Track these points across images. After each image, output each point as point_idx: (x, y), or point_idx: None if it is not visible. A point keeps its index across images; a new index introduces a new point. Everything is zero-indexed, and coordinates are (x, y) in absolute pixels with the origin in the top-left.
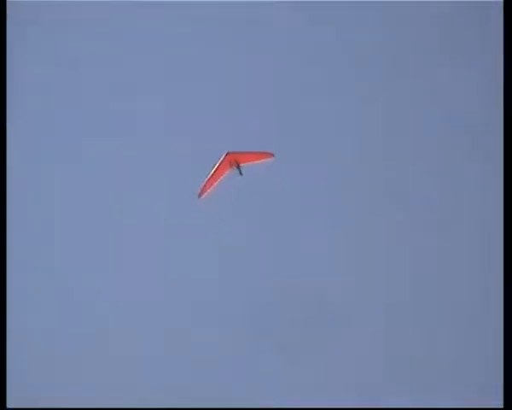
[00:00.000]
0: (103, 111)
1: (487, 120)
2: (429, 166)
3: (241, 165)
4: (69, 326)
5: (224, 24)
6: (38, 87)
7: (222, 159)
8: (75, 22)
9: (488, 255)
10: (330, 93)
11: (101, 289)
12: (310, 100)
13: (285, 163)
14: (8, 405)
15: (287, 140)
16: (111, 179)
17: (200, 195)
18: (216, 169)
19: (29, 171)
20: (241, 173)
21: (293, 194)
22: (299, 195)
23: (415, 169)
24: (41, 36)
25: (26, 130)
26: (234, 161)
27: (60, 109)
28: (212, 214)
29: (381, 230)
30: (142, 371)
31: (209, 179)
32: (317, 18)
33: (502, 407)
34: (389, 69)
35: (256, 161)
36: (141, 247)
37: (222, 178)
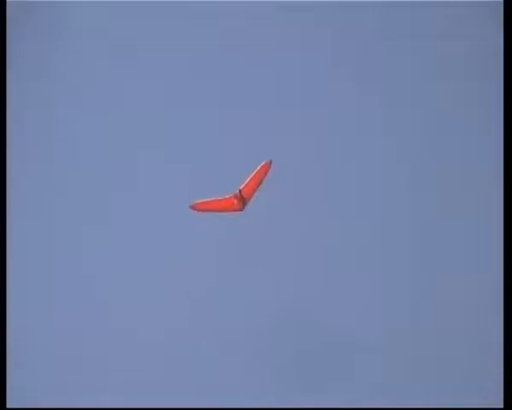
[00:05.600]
0: (103, 110)
1: (487, 120)
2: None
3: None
4: (69, 326)
5: (223, 24)
6: (38, 87)
7: (231, 198)
8: (75, 22)
9: (488, 259)
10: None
11: (102, 290)
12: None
13: (285, 178)
14: (8, 405)
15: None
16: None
17: (194, 207)
18: (222, 203)
19: (30, 174)
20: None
21: (294, 219)
22: (300, 219)
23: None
24: (41, 36)
25: (27, 131)
26: (243, 200)
27: (60, 109)
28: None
29: (384, 255)
30: (142, 373)
31: (210, 203)
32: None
33: (502, 407)
34: (388, 69)
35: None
36: (143, 252)
37: (222, 211)
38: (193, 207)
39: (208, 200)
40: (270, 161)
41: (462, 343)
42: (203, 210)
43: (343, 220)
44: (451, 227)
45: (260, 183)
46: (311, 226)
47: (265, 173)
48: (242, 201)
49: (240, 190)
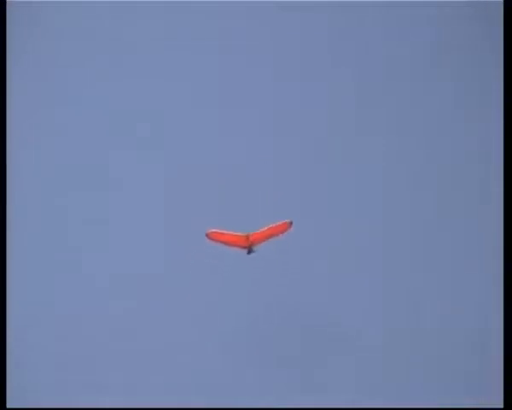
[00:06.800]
0: (103, 110)
1: (487, 120)
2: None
3: (256, 246)
4: (69, 327)
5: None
6: (38, 86)
7: (241, 236)
8: (75, 22)
9: (488, 259)
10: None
11: (102, 292)
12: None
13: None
14: (8, 405)
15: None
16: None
17: (208, 236)
18: (233, 238)
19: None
20: (249, 252)
21: (293, 213)
22: (298, 214)
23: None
24: (41, 36)
25: (26, 129)
26: (251, 243)
27: (60, 108)
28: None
29: (380, 247)
30: (141, 373)
31: (224, 236)
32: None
33: (502, 407)
34: (388, 69)
35: (273, 236)
36: (143, 252)
37: (232, 247)
38: (207, 235)
39: (222, 232)
40: (291, 222)
41: (462, 343)
42: (215, 239)
43: (343, 223)
44: (451, 228)
45: (273, 236)
46: (312, 228)
47: (282, 231)
48: (250, 244)
49: (251, 235)
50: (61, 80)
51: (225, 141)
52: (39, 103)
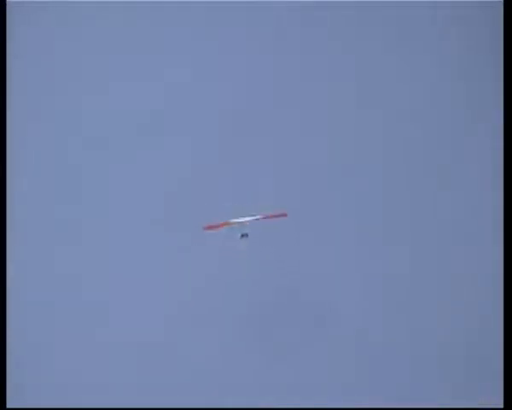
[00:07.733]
0: (102, 110)
1: (487, 120)
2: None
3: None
4: (69, 327)
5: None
6: (38, 86)
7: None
8: (75, 22)
9: (487, 260)
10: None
11: (102, 292)
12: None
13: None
14: (8, 405)
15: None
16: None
17: (208, 228)
18: (227, 222)
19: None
20: (243, 236)
21: (295, 199)
22: (302, 201)
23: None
24: (41, 36)
25: (26, 129)
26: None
27: (59, 106)
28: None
29: (379, 235)
30: (141, 372)
31: (221, 224)
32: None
33: (502, 407)
34: (389, 68)
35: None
36: (142, 249)
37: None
38: (206, 228)
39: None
40: (285, 214)
41: (462, 344)
42: (213, 228)
43: (344, 221)
44: (452, 227)
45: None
46: (313, 222)
47: (276, 217)
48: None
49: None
50: (61, 80)
51: (226, 145)
52: (39, 103)
